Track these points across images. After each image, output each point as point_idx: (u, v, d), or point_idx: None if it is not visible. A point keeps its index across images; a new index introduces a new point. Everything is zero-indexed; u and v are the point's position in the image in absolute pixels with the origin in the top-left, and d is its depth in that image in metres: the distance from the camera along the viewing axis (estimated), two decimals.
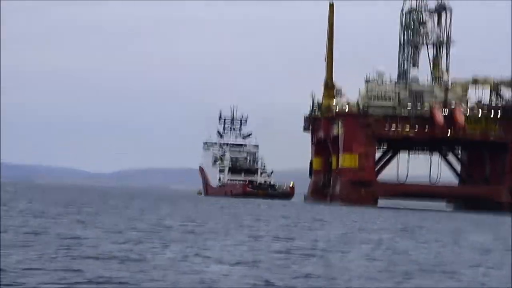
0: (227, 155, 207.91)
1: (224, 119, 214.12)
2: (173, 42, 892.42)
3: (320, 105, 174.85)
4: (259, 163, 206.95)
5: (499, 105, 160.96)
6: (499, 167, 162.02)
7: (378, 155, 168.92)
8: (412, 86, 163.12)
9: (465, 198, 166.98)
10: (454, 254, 48.18)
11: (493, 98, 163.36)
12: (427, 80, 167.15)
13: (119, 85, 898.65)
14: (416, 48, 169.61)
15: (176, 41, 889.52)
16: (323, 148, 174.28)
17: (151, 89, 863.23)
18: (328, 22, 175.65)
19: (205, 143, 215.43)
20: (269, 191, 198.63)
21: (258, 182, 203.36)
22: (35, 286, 28.97)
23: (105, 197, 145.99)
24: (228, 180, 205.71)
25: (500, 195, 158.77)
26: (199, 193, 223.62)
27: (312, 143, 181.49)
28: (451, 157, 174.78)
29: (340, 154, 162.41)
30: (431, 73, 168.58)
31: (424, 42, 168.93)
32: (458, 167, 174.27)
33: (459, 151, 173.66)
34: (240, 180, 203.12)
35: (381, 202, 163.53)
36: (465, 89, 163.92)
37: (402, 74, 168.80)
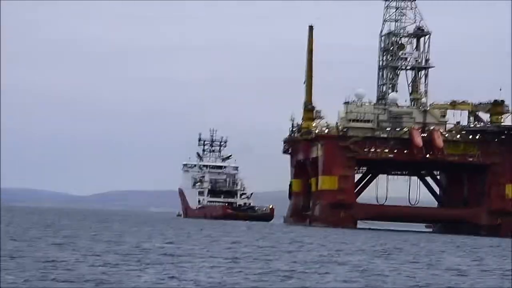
0: (207, 177, 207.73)
1: (204, 141, 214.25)
2: (153, 66, 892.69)
3: (299, 128, 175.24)
4: (239, 185, 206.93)
5: (477, 127, 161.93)
6: (478, 189, 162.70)
7: (357, 177, 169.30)
8: (391, 108, 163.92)
9: (444, 220, 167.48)
10: (430, 276, 48.38)
11: (471, 121, 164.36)
12: (406, 102, 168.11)
13: (97, 108, 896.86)
14: (395, 71, 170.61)
15: (156, 65, 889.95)
16: (303, 170, 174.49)
17: (131, 112, 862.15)
18: (308, 44, 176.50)
19: (185, 165, 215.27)
20: (249, 213, 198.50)
21: (237, 204, 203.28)
22: None
23: (85, 220, 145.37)
24: (208, 202, 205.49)
25: (479, 217, 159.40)
26: (179, 215, 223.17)
27: (291, 165, 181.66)
28: (430, 180, 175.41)
29: (319, 176, 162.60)
30: (410, 96, 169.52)
31: (403, 65, 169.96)
32: (437, 190, 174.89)
33: (438, 174, 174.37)
34: (219, 202, 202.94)
35: (361, 224, 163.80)
36: (443, 112, 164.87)
37: (381, 97, 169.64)
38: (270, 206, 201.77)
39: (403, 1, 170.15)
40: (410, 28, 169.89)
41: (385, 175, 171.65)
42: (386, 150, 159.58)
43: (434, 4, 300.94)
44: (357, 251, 72.59)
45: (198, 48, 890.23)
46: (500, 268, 59.27)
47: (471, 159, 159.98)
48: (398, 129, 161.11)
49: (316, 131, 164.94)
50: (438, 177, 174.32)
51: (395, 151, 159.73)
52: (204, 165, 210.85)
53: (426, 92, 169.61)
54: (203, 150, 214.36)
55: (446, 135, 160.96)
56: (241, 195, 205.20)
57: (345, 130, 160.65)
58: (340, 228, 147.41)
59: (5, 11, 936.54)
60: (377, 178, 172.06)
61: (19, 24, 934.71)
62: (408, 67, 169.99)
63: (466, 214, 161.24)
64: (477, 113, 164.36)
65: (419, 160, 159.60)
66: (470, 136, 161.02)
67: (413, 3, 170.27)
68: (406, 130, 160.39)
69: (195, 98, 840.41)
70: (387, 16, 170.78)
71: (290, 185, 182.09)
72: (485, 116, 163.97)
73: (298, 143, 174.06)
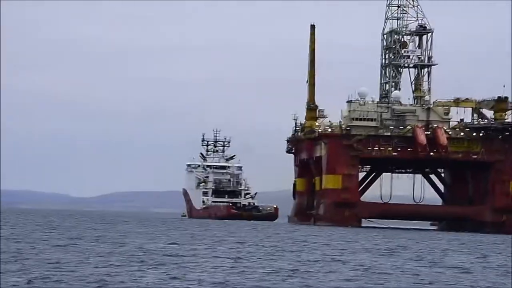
0: (211, 177, 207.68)
1: (207, 142, 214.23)
2: (153, 66, 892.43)
3: (302, 127, 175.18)
4: (243, 185, 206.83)
5: (481, 124, 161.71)
6: (482, 186, 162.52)
7: (361, 175, 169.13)
8: (394, 106, 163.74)
9: (448, 218, 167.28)
10: (433, 274, 48.27)
11: (475, 118, 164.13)
12: (409, 100, 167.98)
13: (98, 108, 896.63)
14: (397, 69, 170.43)
15: (156, 65, 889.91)
16: (306, 169, 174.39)
17: (131, 112, 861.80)
18: (310, 44, 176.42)
19: (188, 166, 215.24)
20: (253, 213, 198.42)
21: (242, 204, 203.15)
22: None
23: (88, 222, 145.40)
24: (212, 202, 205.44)
25: (483, 215, 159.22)
26: (183, 216, 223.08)
27: (295, 165, 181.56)
28: (434, 177, 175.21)
29: (323, 175, 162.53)
30: (413, 93, 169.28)
31: (406, 63, 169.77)
32: (441, 187, 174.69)
33: (442, 171, 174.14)
34: (224, 202, 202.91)
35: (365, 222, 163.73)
36: (447, 110, 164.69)
37: (384, 95, 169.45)
38: (274, 206, 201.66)
39: None
40: (412, 26, 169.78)
41: (389, 173, 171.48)
42: (390, 148, 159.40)
43: (436, 3, 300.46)
44: (361, 249, 72.50)
45: (198, 48, 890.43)
46: (504, 265, 59.17)
47: (475, 157, 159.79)
48: (401, 127, 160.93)
49: (320, 130, 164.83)
50: (442, 174, 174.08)
51: (399, 149, 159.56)
52: (208, 166, 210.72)
53: (429, 89, 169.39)
54: (207, 151, 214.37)
55: (450, 133, 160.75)
56: (245, 195, 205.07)
57: (348, 129, 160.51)
58: (344, 227, 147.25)
59: (5, 11, 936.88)
60: (381, 176, 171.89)
61: (19, 24, 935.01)
62: (411, 65, 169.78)
63: (471, 212, 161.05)
64: (480, 110, 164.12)
65: (423, 158, 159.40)
66: (474, 134, 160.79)
67: (414, 1, 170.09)
68: (410, 128, 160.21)
69: (195, 98, 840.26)
70: (389, 14, 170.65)
71: (294, 185, 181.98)
72: (489, 113, 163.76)
73: (302, 143, 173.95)
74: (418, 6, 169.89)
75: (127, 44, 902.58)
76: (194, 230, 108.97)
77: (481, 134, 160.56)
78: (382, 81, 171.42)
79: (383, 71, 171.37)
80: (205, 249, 64.40)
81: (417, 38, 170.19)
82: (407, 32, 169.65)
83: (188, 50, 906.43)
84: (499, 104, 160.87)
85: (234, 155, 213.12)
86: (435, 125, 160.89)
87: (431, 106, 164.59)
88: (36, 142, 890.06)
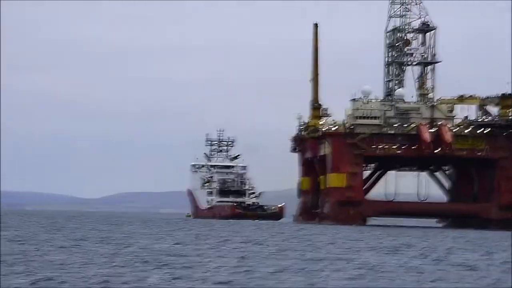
0: (215, 177, 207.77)
1: (211, 142, 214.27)
2: (153, 66, 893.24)
3: (306, 126, 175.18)
4: (247, 184, 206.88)
5: (486, 121, 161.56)
6: (488, 183, 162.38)
7: (366, 174, 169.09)
8: (398, 104, 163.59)
9: (454, 215, 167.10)
10: (437, 272, 48.15)
11: (480, 115, 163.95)
12: (413, 98, 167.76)
13: (105, 109, 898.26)
14: (401, 67, 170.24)
15: (156, 65, 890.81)
16: (311, 168, 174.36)
17: (137, 113, 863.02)
18: (313, 42, 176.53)
19: (193, 166, 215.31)
20: (258, 213, 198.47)
21: (247, 203, 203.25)
22: None
23: (93, 222, 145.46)
24: (217, 202, 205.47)
25: (489, 212, 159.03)
26: (188, 216, 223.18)
27: (299, 164, 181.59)
28: (439, 175, 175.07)
29: (328, 174, 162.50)
30: (417, 91, 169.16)
31: (409, 61, 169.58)
32: (446, 185, 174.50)
33: (447, 169, 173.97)
34: (228, 202, 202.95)
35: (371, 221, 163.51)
36: (451, 107, 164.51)
37: (388, 93, 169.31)
38: (279, 205, 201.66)
39: None
40: (416, 24, 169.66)
41: (394, 171, 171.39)
42: (394, 147, 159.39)
43: (439, 3, 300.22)
44: (366, 248, 72.41)
45: (198, 48, 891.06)
46: (508, 262, 59.00)
47: (479, 154, 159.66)
48: (405, 125, 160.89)
49: (324, 129, 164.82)
50: (447, 172, 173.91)
51: (403, 147, 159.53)
52: (212, 165, 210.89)
53: (433, 87, 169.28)
54: (211, 151, 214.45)
55: (454, 130, 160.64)
56: (250, 194, 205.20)
57: (352, 127, 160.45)
58: (349, 225, 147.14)
59: (5, 11, 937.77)
60: (386, 174, 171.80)
61: (19, 24, 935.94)
62: (415, 63, 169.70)
63: (476, 209, 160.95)
64: (485, 107, 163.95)
65: (428, 155, 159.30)
66: (479, 131, 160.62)
67: None
68: (414, 126, 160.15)
69: (195, 98, 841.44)
70: (392, 12, 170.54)
71: (299, 184, 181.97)
72: (494, 110, 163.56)
73: (306, 141, 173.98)
74: (421, 4, 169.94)
75: (127, 44, 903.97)
76: (198, 230, 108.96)
77: (485, 131, 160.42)
78: (386, 79, 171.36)
79: (387, 69, 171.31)
80: (209, 249, 64.35)
81: (420, 36, 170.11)
82: (411, 30, 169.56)
83: (188, 50, 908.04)
84: (504, 101, 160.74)
85: (239, 155, 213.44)
86: (440, 123, 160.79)
87: (435, 103, 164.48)
88: (38, 143, 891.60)
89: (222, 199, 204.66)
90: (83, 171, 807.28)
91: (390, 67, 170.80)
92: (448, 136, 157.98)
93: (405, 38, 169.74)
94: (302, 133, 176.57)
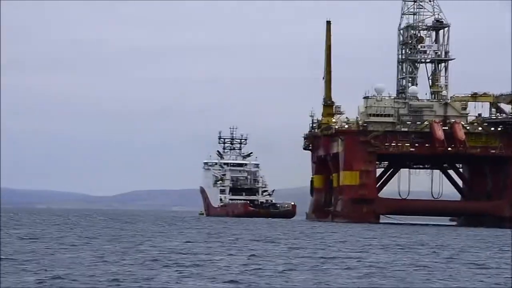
0: (228, 175, 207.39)
1: (224, 139, 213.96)
2: (172, 65, 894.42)
3: (319, 123, 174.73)
4: (260, 182, 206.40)
5: (499, 119, 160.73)
6: (501, 181, 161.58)
7: (379, 171, 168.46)
8: (411, 102, 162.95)
9: (467, 213, 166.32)
10: (447, 271, 47.78)
11: (493, 112, 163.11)
12: (426, 95, 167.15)
13: (117, 108, 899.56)
14: (414, 65, 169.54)
15: (175, 64, 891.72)
16: (324, 166, 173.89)
17: (150, 111, 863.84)
18: (326, 40, 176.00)
19: (205, 163, 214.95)
20: (270, 210, 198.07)
21: (259, 201, 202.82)
22: None
23: (105, 221, 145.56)
24: (229, 200, 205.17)
25: (502, 210, 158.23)
26: (201, 214, 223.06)
27: (312, 161, 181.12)
28: (452, 173, 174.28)
29: (340, 172, 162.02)
30: (430, 89, 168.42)
31: (422, 58, 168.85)
32: (460, 182, 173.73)
33: (461, 166, 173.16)
34: (241, 200, 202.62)
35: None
36: (464, 105, 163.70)
37: (401, 91, 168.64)
38: (292, 203, 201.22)
39: None
40: (429, 21, 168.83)
41: (407, 169, 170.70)
42: (407, 144, 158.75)
43: (452, 1, 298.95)
44: (378, 246, 72.06)
45: (211, 48, 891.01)
46: None
47: (493, 151, 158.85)
48: (419, 123, 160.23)
49: (336, 127, 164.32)
50: (461, 170, 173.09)
51: (416, 145, 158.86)
52: (225, 163, 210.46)
53: (446, 84, 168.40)
54: (224, 148, 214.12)
55: (468, 128, 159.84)
56: (262, 192, 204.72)
57: (365, 125, 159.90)
58: (362, 223, 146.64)
59: (5, 11, 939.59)
60: (399, 172, 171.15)
61: (19, 24, 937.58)
62: (428, 60, 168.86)
63: (489, 207, 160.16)
64: (498, 104, 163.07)
65: (441, 153, 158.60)
66: (492, 128, 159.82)
67: None
68: (427, 123, 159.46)
69: (208, 97, 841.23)
70: (405, 10, 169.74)
71: (312, 181, 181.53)
72: (507, 108, 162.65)
73: (319, 139, 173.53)
74: (434, 1, 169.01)
75: (143, 44, 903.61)
76: (211, 228, 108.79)
77: (499, 129, 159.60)
78: (399, 77, 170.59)
79: (400, 67, 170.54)
80: (220, 247, 64.16)
81: (433, 33, 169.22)
82: (424, 27, 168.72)
83: (202, 49, 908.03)
84: None
85: (251, 153, 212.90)
86: (453, 120, 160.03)
87: (449, 101, 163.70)
88: (51, 141, 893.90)
89: (234, 197, 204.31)
90: (96, 169, 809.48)
91: (403, 64, 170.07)
92: (461, 134, 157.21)
93: (418, 35, 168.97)
94: (315, 130, 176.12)
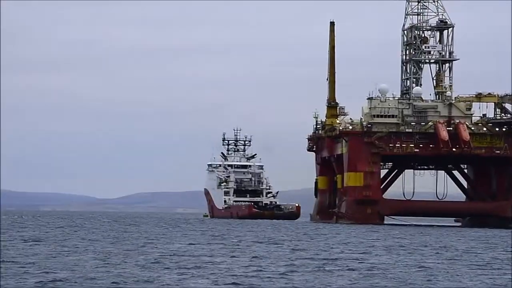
0: (232, 177, 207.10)
1: (228, 141, 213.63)
2: (175, 66, 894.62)
3: (323, 125, 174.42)
4: (264, 184, 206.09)
5: (504, 119, 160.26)
6: (506, 182, 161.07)
7: (383, 173, 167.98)
8: (415, 103, 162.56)
9: (472, 214, 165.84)
10: (450, 272, 47.51)
11: (498, 113, 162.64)
12: (430, 96, 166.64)
13: (122, 110, 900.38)
14: (418, 65, 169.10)
15: (178, 66, 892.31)
16: (328, 167, 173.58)
17: (153, 113, 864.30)
18: (329, 41, 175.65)
19: (209, 165, 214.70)
20: (275, 212, 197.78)
21: (263, 203, 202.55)
22: None
23: (110, 223, 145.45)
24: (234, 201, 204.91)
25: (507, 210, 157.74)
26: (205, 216, 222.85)
27: (316, 163, 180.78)
28: (457, 173, 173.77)
29: (345, 173, 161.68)
30: (434, 89, 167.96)
31: (427, 58, 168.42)
32: (464, 183, 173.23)
33: (465, 167, 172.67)
34: (245, 202, 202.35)
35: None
36: (469, 105, 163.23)
37: (405, 92, 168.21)
38: (296, 205, 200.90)
39: None
40: (433, 21, 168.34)
41: (411, 170, 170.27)
42: (412, 145, 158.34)
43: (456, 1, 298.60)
44: (381, 247, 71.77)
45: (214, 48, 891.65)
46: None
47: (498, 152, 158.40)
48: (423, 124, 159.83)
49: (340, 128, 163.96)
50: (466, 170, 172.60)
51: (421, 145, 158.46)
52: (229, 165, 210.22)
53: (450, 85, 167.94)
54: (228, 150, 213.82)
55: (472, 128, 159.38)
56: (266, 194, 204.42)
57: (369, 126, 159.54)
58: (366, 224, 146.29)
59: (5, 11, 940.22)
60: (403, 173, 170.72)
61: (19, 24, 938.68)
62: (432, 61, 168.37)
63: (494, 208, 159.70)
64: (503, 105, 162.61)
65: (445, 154, 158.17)
66: (497, 129, 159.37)
67: None
68: (431, 124, 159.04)
69: (212, 98, 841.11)
70: (409, 10, 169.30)
71: (316, 183, 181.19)
72: None
73: (323, 140, 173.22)
74: (438, 1, 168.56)
75: (147, 44, 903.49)
76: (214, 230, 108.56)
77: (504, 129, 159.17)
78: (403, 77, 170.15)
79: (404, 67, 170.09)
80: (223, 249, 63.91)
81: (437, 33, 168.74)
82: (428, 27, 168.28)
83: (205, 50, 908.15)
84: None
85: (255, 154, 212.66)
86: (457, 121, 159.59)
87: (453, 101, 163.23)
88: (55, 144, 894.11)
89: (238, 199, 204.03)
90: (100, 172, 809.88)
91: (407, 65, 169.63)
92: (465, 135, 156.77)
93: (422, 35, 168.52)
94: (319, 132, 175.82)
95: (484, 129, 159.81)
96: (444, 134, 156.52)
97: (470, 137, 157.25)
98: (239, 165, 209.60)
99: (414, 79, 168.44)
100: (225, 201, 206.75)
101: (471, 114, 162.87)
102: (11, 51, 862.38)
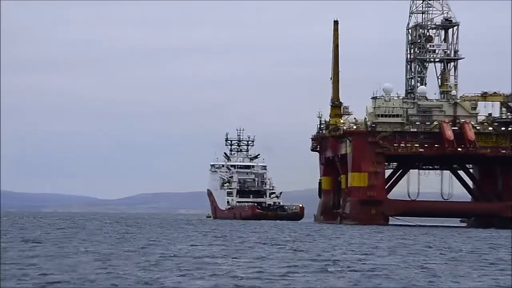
0: (235, 177, 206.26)
1: (231, 141, 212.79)
2: (177, 66, 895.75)
3: (327, 124, 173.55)
4: (268, 184, 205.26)
5: (510, 119, 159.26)
6: (511, 182, 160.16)
7: (387, 173, 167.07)
8: (420, 102, 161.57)
9: (477, 214, 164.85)
10: (453, 273, 46.57)
11: (503, 112, 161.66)
12: (435, 95, 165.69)
13: (122, 110, 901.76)
14: (423, 64, 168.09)
15: (180, 66, 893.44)
16: (332, 167, 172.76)
17: (153, 113, 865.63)
18: (333, 40, 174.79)
19: (212, 166, 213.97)
20: (278, 213, 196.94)
21: (267, 203, 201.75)
22: None
23: (112, 224, 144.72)
24: (237, 202, 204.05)
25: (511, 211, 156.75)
26: (208, 217, 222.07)
27: (320, 163, 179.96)
28: (462, 173, 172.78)
29: (349, 173, 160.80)
30: (439, 88, 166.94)
31: (431, 57, 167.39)
32: (470, 183, 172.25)
33: (471, 167, 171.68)
34: (248, 202, 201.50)
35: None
36: (474, 104, 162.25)
37: (410, 91, 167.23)
38: (300, 205, 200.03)
39: None
40: (438, 20, 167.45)
41: (416, 170, 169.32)
42: (417, 145, 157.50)
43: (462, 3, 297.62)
44: (385, 248, 70.81)
45: (216, 48, 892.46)
46: None
47: (503, 152, 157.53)
48: (428, 123, 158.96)
49: (344, 128, 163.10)
50: (471, 170, 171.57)
51: (426, 145, 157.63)
52: (232, 165, 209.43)
53: (456, 84, 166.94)
54: (231, 150, 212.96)
55: (478, 128, 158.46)
56: (270, 194, 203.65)
57: (373, 125, 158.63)
58: (371, 225, 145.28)
59: (5, 11, 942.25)
60: (408, 173, 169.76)
61: (19, 24, 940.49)
62: (437, 60, 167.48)
63: (500, 208, 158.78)
64: (509, 104, 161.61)
65: (451, 154, 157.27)
66: (502, 128, 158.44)
67: None
68: (436, 123, 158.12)
69: (215, 98, 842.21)
70: (413, 8, 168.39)
71: (320, 183, 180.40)
72: None
73: (326, 140, 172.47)
74: (443, 0, 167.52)
75: (147, 44, 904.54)
76: (217, 231, 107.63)
77: (510, 129, 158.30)
78: (408, 76, 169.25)
79: (409, 66, 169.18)
80: (225, 250, 63.02)
81: (442, 32, 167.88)
82: (433, 26, 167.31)
83: (207, 49, 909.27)
84: None
85: (258, 154, 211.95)
86: (463, 120, 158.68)
87: (458, 100, 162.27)
88: (56, 144, 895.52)
89: (242, 200, 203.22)
90: (100, 172, 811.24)
91: (412, 64, 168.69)
92: (471, 134, 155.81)
93: (427, 34, 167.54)
94: (323, 132, 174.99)
95: (490, 128, 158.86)
96: (449, 133, 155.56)
97: (476, 136, 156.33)
98: (242, 165, 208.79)
99: (419, 78, 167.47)
100: (228, 202, 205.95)
101: (477, 114, 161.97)
102: (11, 51, 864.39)
